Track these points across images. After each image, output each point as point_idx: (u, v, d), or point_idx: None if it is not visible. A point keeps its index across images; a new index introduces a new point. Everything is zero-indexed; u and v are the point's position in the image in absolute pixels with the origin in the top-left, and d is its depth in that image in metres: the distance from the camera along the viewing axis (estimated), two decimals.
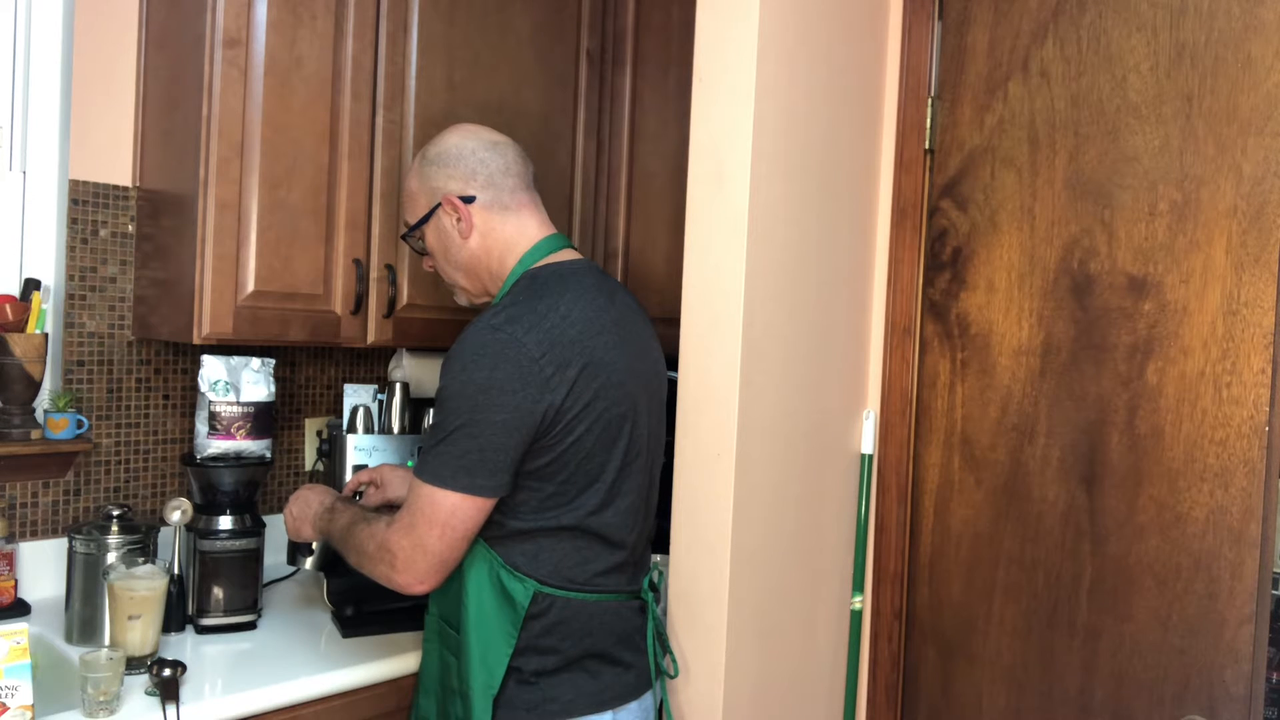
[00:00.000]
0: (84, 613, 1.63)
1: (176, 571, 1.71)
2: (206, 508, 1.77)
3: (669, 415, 1.63)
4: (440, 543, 1.33)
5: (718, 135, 1.61)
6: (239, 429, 1.77)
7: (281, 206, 1.72)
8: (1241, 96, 1.51)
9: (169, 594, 1.62)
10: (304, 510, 1.60)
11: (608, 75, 2.26)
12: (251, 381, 1.79)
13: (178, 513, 1.71)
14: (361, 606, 1.78)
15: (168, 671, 1.42)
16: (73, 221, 1.83)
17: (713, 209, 1.62)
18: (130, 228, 1.90)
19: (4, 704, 1.28)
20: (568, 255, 1.50)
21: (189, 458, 1.79)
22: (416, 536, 1.33)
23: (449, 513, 1.32)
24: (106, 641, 1.57)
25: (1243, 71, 1.51)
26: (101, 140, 1.86)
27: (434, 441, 1.35)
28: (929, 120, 1.85)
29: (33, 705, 1.30)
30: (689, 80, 1.68)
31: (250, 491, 1.81)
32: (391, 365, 2.16)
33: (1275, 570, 1.50)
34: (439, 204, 1.50)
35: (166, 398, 1.96)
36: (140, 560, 1.62)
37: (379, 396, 1.97)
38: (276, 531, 1.94)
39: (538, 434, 1.34)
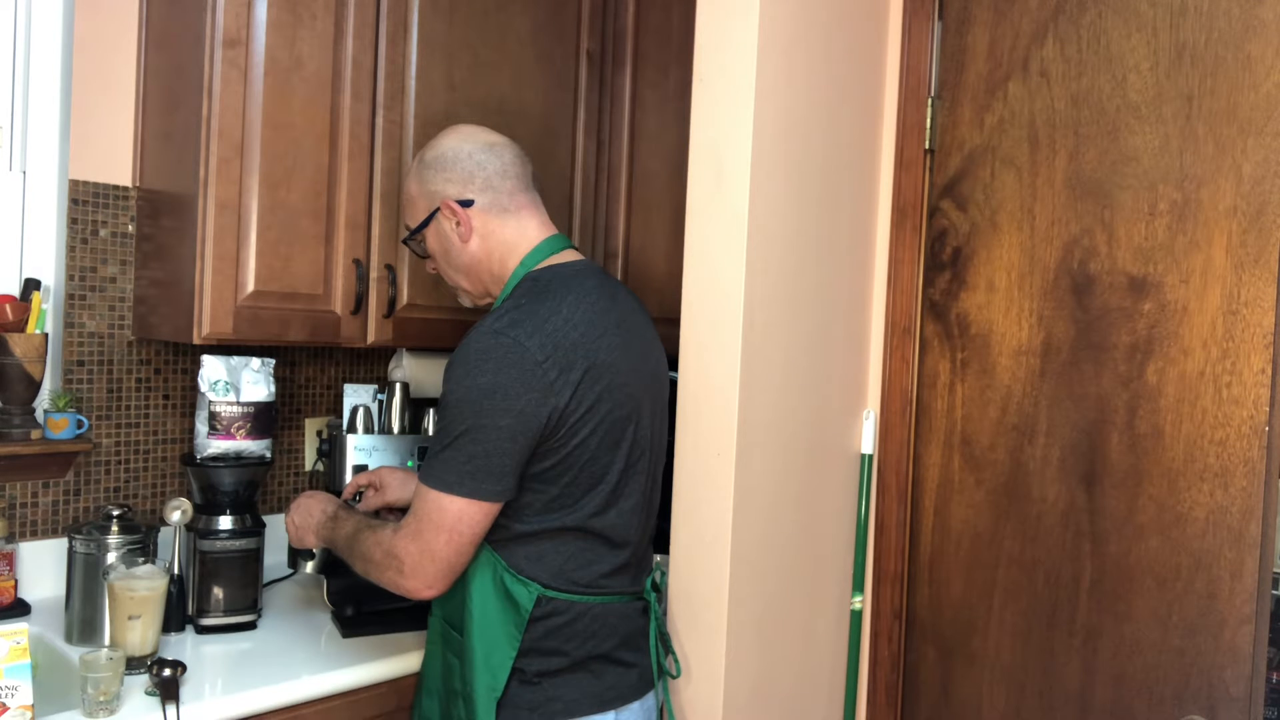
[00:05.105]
0: (84, 613, 1.63)
1: (176, 571, 1.71)
2: (206, 508, 1.77)
3: (670, 415, 1.63)
4: (448, 548, 1.33)
5: (718, 135, 1.61)
6: (239, 429, 1.76)
7: (281, 206, 1.72)
8: (1241, 96, 1.51)
9: (169, 594, 1.62)
10: (306, 519, 1.59)
11: (608, 75, 2.26)
12: (251, 381, 1.79)
13: (178, 513, 1.71)
14: (361, 606, 1.78)
15: (168, 671, 1.42)
16: (73, 221, 1.83)
17: (713, 209, 1.62)
18: (130, 228, 1.90)
19: (4, 704, 1.28)
20: (569, 256, 1.50)
21: (189, 458, 1.79)
22: (424, 542, 1.33)
23: (455, 518, 1.32)
24: (106, 641, 1.57)
25: (1243, 71, 1.51)
26: (101, 140, 1.86)
27: (439, 447, 1.34)
28: (929, 120, 1.85)
29: (33, 705, 1.30)
30: (689, 80, 1.68)
31: (250, 491, 1.81)
32: (391, 365, 2.16)
33: (1275, 570, 1.50)
34: (438, 208, 1.50)
35: (166, 398, 1.96)
36: (140, 560, 1.62)
37: (379, 396, 1.97)
38: (276, 531, 1.94)
39: (542, 437, 1.34)
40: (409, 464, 1.91)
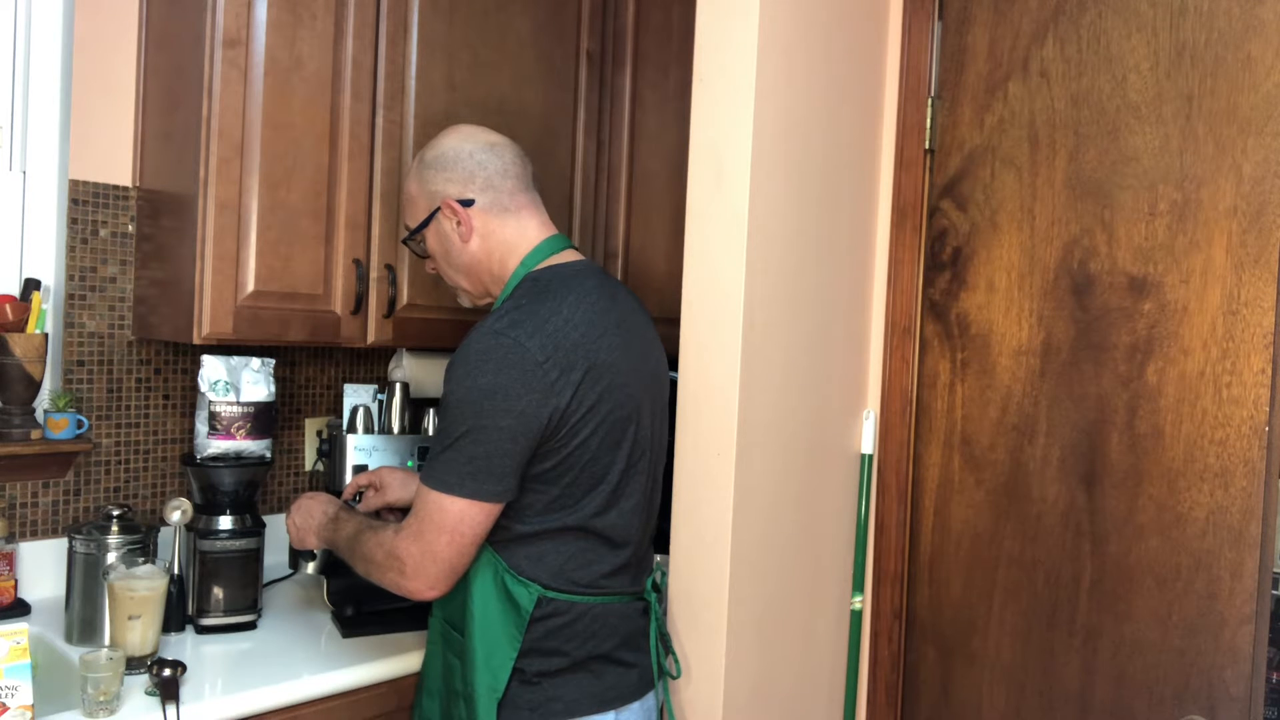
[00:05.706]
0: (84, 613, 1.63)
1: (176, 571, 1.71)
2: (206, 508, 1.77)
3: (670, 415, 1.63)
4: (449, 549, 1.33)
5: (718, 135, 1.61)
6: (239, 429, 1.77)
7: (281, 206, 1.72)
8: (1241, 96, 1.51)
9: (169, 594, 1.62)
10: (307, 520, 1.59)
11: (608, 75, 2.26)
12: (251, 381, 1.79)
13: (178, 513, 1.71)
14: (361, 606, 1.78)
15: (168, 671, 1.42)
16: (73, 221, 1.83)
17: (713, 209, 1.62)
18: (130, 228, 1.90)
19: (4, 704, 1.28)
20: (569, 256, 1.50)
21: (189, 458, 1.79)
22: (425, 543, 1.33)
23: (457, 519, 1.32)
24: (106, 641, 1.57)
25: (1243, 71, 1.51)
26: (101, 140, 1.86)
27: (440, 448, 1.34)
28: (929, 120, 1.85)
29: (33, 705, 1.30)
30: (689, 80, 1.68)
31: (250, 491, 1.81)
32: (391, 365, 2.16)
33: (1275, 570, 1.50)
34: (438, 208, 1.50)
35: (166, 398, 1.96)
36: (140, 560, 1.62)
37: (379, 396, 1.97)
38: (276, 531, 1.94)
39: (543, 438, 1.34)
40: (409, 464, 1.91)
